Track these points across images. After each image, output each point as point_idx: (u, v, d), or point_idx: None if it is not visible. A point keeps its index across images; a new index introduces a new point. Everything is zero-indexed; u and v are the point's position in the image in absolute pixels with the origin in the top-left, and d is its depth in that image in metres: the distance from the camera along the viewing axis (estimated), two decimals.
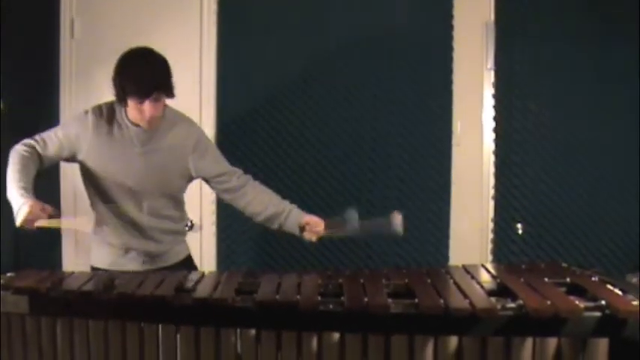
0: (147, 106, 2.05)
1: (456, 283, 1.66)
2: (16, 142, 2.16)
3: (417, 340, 1.48)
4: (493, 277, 1.74)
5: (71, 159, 2.21)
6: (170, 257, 2.34)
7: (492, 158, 2.94)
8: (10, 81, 2.83)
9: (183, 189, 2.34)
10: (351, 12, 2.99)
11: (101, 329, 1.70)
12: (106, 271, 2.19)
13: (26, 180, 2.03)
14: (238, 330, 1.59)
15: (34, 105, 3.04)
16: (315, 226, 2.18)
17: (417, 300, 1.54)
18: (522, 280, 1.65)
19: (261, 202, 2.23)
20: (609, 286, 1.57)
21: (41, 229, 1.98)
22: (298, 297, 1.60)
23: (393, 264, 2.95)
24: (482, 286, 1.62)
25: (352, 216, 2.09)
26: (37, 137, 2.16)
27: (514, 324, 1.45)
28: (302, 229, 2.19)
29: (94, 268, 2.30)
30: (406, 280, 1.71)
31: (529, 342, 1.44)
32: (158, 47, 2.12)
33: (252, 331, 1.58)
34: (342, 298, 1.60)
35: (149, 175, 2.19)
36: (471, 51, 2.92)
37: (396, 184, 2.98)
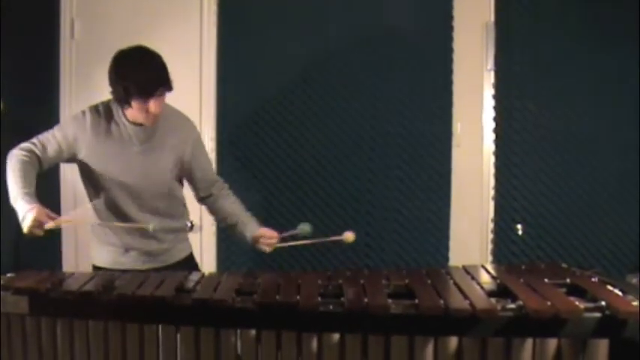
0: (152, 104, 2.05)
1: (456, 283, 1.66)
2: (17, 142, 2.15)
3: (417, 341, 1.48)
4: (493, 277, 1.74)
5: (70, 160, 2.21)
6: (172, 256, 2.34)
7: (492, 159, 2.94)
8: (10, 81, 2.83)
9: (180, 187, 2.35)
10: (351, 12, 2.99)
11: (101, 330, 1.70)
12: (107, 270, 2.20)
13: (29, 185, 2.02)
14: (238, 330, 1.59)
15: (34, 105, 3.04)
16: (268, 238, 2.28)
17: (417, 300, 1.54)
18: (522, 280, 1.65)
19: (227, 211, 2.34)
20: (609, 287, 1.57)
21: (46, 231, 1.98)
22: (298, 297, 1.60)
23: (393, 264, 2.95)
24: (482, 287, 1.62)
25: (305, 228, 2.26)
26: (34, 140, 2.14)
27: (514, 325, 1.45)
28: (256, 240, 2.29)
29: (95, 268, 2.30)
30: (406, 281, 1.71)
31: (529, 343, 1.44)
32: (158, 47, 2.12)
33: (252, 332, 1.58)
34: (342, 298, 1.60)
35: (148, 173, 2.20)
36: (470, 52, 2.93)
37: (396, 184, 2.98)
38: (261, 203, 3.04)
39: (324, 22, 3.01)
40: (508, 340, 1.45)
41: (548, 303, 1.45)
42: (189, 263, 2.41)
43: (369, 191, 3.00)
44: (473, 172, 2.95)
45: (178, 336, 1.64)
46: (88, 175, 2.20)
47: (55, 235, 3.16)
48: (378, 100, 2.99)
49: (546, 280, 1.66)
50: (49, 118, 2.98)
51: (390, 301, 1.55)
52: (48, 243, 3.12)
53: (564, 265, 1.90)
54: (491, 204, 2.95)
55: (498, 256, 2.93)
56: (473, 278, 1.72)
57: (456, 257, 2.94)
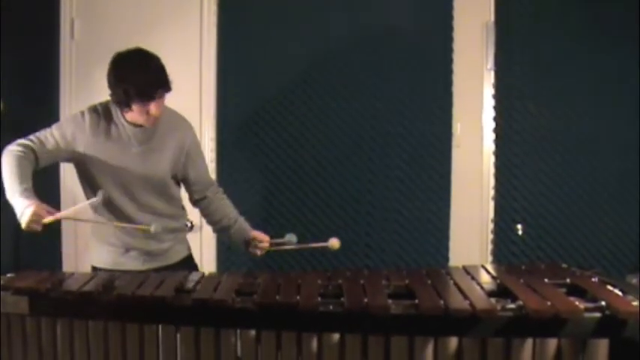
0: (152, 106, 2.06)
1: (456, 283, 1.66)
2: None
3: (417, 341, 1.48)
4: (493, 277, 1.74)
5: (66, 159, 2.21)
6: (171, 256, 2.34)
7: (492, 159, 2.94)
8: (10, 81, 2.83)
9: (178, 188, 2.36)
10: (351, 12, 2.98)
11: (101, 330, 1.70)
12: (106, 270, 2.20)
13: (26, 181, 2.02)
14: (238, 331, 1.59)
15: (34, 105, 3.04)
16: (260, 241, 2.32)
17: (417, 301, 1.54)
18: (522, 280, 1.65)
19: (220, 214, 2.35)
20: (609, 287, 1.57)
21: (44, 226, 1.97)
22: (298, 298, 1.60)
23: (393, 264, 2.95)
24: (482, 287, 1.62)
25: (292, 240, 2.32)
26: (31, 137, 2.14)
27: (514, 325, 1.45)
28: (248, 243, 2.33)
29: (94, 268, 2.30)
30: (406, 281, 1.71)
31: (529, 343, 1.44)
32: (158, 47, 2.12)
33: (252, 332, 1.58)
34: (342, 298, 1.60)
35: (147, 174, 2.20)
36: (470, 52, 2.92)
37: (396, 184, 2.98)
38: (261, 203, 3.04)
39: (324, 22, 3.01)
40: (508, 340, 1.45)
41: (548, 303, 1.45)
42: (189, 263, 2.42)
43: (369, 191, 3.00)
44: (473, 172, 2.95)
45: (178, 336, 1.64)
46: (86, 175, 2.20)
47: (55, 235, 3.16)
48: (378, 100, 2.98)
49: (546, 280, 1.66)
50: (49, 118, 2.96)
51: (390, 301, 1.55)
52: (48, 243, 3.13)
53: (564, 266, 1.90)
54: (491, 204, 2.95)
55: (498, 256, 2.93)
56: (473, 278, 1.72)
57: (456, 257, 2.94)
